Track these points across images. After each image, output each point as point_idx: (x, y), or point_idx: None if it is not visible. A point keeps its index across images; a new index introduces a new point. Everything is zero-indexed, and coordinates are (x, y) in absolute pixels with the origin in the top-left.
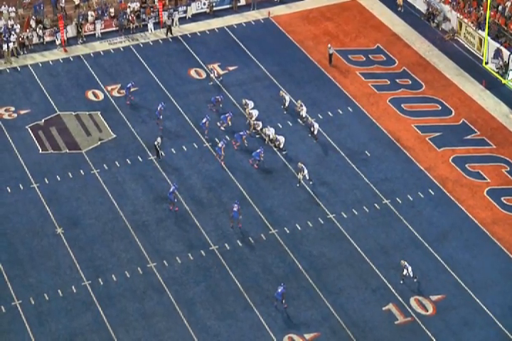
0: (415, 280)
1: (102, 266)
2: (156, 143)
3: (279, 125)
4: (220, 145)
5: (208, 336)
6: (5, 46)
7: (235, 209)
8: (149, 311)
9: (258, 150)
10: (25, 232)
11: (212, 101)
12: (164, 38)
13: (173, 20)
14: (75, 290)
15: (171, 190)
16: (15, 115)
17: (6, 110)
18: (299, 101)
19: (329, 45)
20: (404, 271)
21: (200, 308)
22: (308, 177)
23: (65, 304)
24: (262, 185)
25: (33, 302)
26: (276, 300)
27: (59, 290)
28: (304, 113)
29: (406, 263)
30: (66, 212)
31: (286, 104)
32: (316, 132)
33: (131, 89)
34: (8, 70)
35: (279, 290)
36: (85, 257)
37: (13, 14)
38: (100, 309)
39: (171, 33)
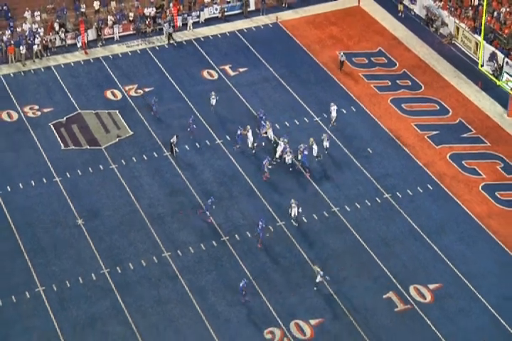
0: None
1: (120, 255)
2: (172, 140)
3: (286, 123)
4: (264, 162)
5: (219, 321)
6: (24, 50)
7: (259, 227)
8: (164, 298)
9: (303, 154)
10: (48, 223)
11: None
12: (178, 41)
13: (174, 27)
14: (94, 278)
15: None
16: (39, 113)
17: (30, 108)
18: (333, 104)
19: (341, 53)
20: (318, 278)
21: (211, 295)
22: (297, 218)
23: (85, 291)
24: (270, 180)
25: (55, 289)
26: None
27: (80, 278)
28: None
29: (319, 269)
30: (86, 204)
31: (333, 120)
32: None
33: (155, 100)
34: (32, 71)
35: (241, 285)
36: (104, 247)
37: (37, 18)
38: (118, 295)
39: (173, 40)
